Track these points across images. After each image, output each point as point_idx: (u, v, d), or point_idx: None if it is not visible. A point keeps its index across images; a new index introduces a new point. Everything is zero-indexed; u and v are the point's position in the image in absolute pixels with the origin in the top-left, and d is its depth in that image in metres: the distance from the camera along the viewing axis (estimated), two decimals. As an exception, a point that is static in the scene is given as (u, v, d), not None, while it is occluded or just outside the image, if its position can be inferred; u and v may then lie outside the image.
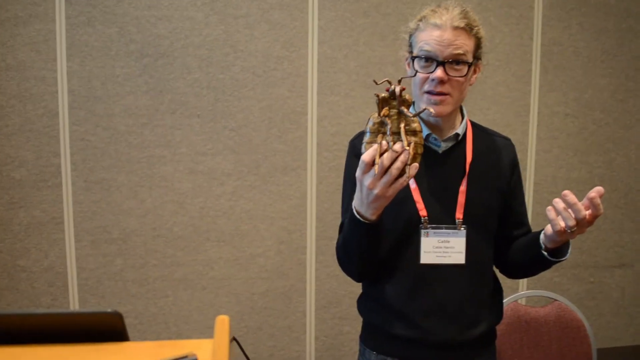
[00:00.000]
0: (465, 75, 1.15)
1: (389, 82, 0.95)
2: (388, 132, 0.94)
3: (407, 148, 0.91)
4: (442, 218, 1.20)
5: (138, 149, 2.24)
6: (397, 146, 0.92)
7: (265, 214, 2.36)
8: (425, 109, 0.97)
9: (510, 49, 2.49)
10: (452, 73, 1.14)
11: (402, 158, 0.93)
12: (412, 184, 1.21)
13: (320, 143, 2.37)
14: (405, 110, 0.94)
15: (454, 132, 1.24)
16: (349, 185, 1.22)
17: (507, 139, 1.33)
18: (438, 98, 1.15)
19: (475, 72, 1.21)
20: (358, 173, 0.97)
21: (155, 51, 2.22)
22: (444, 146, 1.24)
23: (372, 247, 1.11)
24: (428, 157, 1.22)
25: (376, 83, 0.95)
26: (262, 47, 2.29)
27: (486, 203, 1.23)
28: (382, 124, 0.95)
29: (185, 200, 2.29)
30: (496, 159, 1.27)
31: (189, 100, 2.26)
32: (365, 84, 2.37)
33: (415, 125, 0.95)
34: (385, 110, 0.94)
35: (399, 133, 0.93)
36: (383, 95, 0.95)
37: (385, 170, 0.94)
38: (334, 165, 2.38)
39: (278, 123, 2.33)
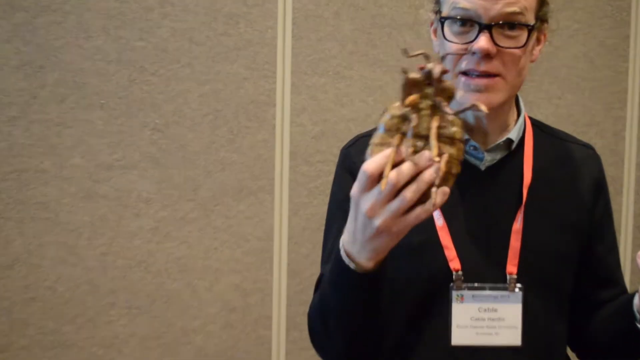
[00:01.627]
0: (524, 46, 1.18)
1: (426, 57, 0.97)
2: (410, 133, 0.96)
3: (438, 160, 0.92)
4: (486, 273, 1.23)
5: (2, 159, 2.19)
6: (423, 156, 0.93)
7: (206, 264, 2.34)
8: (473, 105, 0.97)
9: (595, 3, 2.53)
10: (503, 42, 1.16)
11: (427, 176, 0.92)
12: (439, 220, 1.23)
13: (295, 151, 2.38)
14: (444, 103, 0.96)
15: (504, 138, 1.26)
16: (338, 218, 1.22)
17: (589, 148, 1.36)
18: (482, 82, 1.17)
19: (538, 41, 1.24)
20: (355, 190, 0.97)
21: (33, 3, 2.18)
22: (488, 159, 1.26)
23: (367, 314, 1.11)
24: (464, 176, 1.24)
25: (407, 55, 0.96)
26: (204, -2, 2.36)
27: (555, 249, 1.26)
28: (404, 118, 0.97)
29: (78, 242, 2.24)
30: (571, 178, 1.30)
31: (88, 82, 2.23)
32: (368, 58, 2.37)
33: (455, 130, 0.96)
34: (413, 98, 0.95)
35: (427, 137, 0.95)
36: (414, 75, 0.96)
37: (398, 192, 0.93)
38: (317, 186, 2.40)
39: (229, 119, 2.32)
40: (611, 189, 1.36)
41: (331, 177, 1.34)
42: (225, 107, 2.30)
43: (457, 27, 1.18)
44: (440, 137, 0.95)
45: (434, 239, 1.22)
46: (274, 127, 2.34)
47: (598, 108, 2.51)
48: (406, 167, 0.92)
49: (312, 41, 2.34)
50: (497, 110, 1.24)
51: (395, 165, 0.93)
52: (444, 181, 0.95)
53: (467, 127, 1.27)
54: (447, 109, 0.96)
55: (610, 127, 2.51)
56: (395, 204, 0.93)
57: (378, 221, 0.95)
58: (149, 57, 2.24)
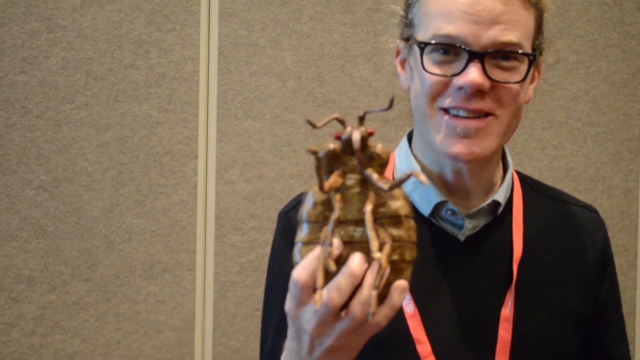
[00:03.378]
0: (523, 80, 1.17)
1: (340, 122, 0.94)
2: (331, 223, 0.92)
3: (378, 256, 0.88)
4: None
5: None
6: (354, 261, 0.90)
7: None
8: (410, 175, 0.92)
9: (598, 30, 2.49)
10: (498, 76, 1.16)
11: (370, 281, 0.89)
12: (409, 306, 1.22)
13: (222, 216, 2.32)
14: (375, 175, 0.93)
15: (489, 200, 1.25)
16: (280, 304, 1.14)
17: (592, 211, 1.38)
18: (472, 124, 1.16)
19: (533, 78, 1.25)
20: (289, 305, 0.93)
21: None
22: (469, 227, 1.25)
23: None
24: (440, 249, 1.25)
25: (313, 126, 0.93)
26: (105, 21, 2.23)
27: (552, 339, 1.25)
28: (329, 205, 0.94)
29: None
30: (571, 250, 1.30)
31: (-48, 126, 2.13)
32: (315, 97, 2.34)
33: (398, 204, 0.94)
34: (334, 178, 0.93)
35: (362, 222, 0.92)
36: (331, 147, 0.94)
37: (344, 305, 0.90)
38: (251, 261, 2.33)
39: (138, 176, 2.26)
40: (622, 260, 1.32)
41: (268, 249, 1.29)
42: (132, 160, 2.23)
43: (438, 55, 1.16)
44: (380, 219, 0.92)
45: (403, 330, 1.18)
46: (195, 185, 2.27)
47: (604, 160, 2.48)
48: (337, 283, 0.88)
49: (243, 76, 2.28)
50: (484, 165, 1.22)
51: (328, 270, 0.90)
52: (398, 273, 0.91)
53: (444, 186, 1.25)
54: (381, 183, 0.92)
55: (619, 184, 2.49)
56: (345, 324, 0.90)
57: (329, 340, 0.92)
58: (33, 95, 2.19)
